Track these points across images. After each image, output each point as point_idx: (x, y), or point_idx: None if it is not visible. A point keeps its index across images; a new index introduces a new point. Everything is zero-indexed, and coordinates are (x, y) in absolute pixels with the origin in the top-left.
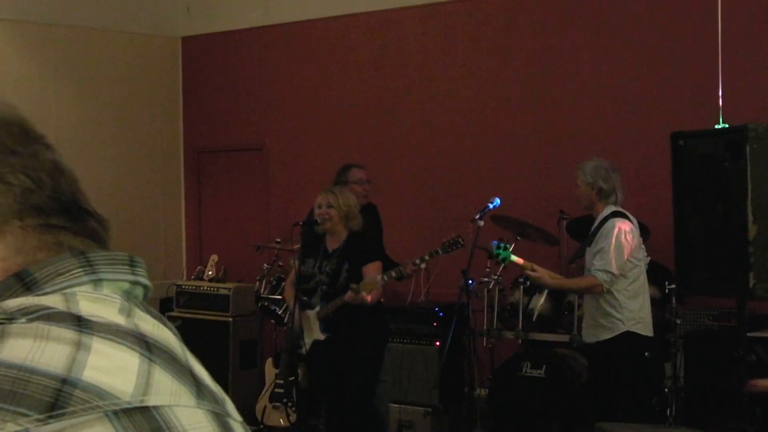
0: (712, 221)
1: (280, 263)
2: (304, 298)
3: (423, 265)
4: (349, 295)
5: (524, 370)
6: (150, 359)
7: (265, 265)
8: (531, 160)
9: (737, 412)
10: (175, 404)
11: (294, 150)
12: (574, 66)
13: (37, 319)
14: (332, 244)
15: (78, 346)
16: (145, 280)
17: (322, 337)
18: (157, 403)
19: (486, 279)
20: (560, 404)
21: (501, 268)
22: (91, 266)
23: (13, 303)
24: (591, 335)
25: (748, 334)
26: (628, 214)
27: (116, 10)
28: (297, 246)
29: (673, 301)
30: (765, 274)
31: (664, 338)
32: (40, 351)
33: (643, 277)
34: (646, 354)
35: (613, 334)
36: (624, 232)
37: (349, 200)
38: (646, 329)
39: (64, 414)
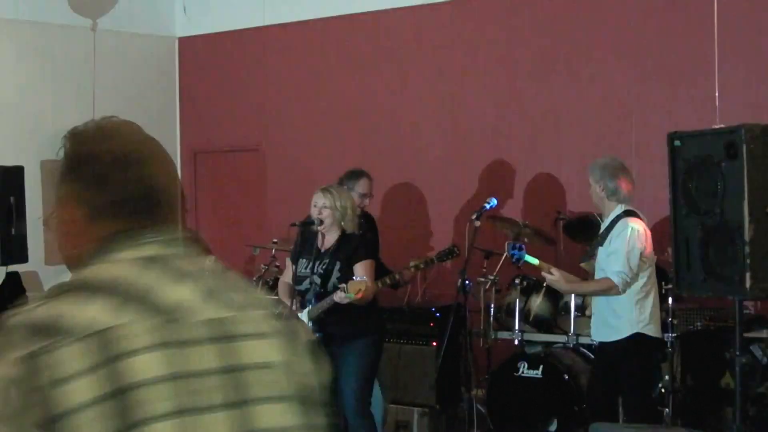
0: (708, 221)
1: (277, 264)
2: (298, 298)
3: (420, 268)
4: (337, 296)
5: (521, 370)
6: (117, 304)
7: (262, 265)
8: (528, 161)
9: (733, 412)
10: (120, 323)
11: (291, 151)
12: (570, 67)
13: (64, 291)
14: (325, 243)
15: (74, 304)
16: (162, 237)
17: (313, 336)
18: (105, 326)
19: (483, 279)
20: (557, 405)
21: (497, 267)
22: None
23: (73, 278)
24: (599, 334)
25: (745, 335)
26: (639, 213)
27: (113, 11)
28: (291, 248)
29: (670, 301)
30: (762, 274)
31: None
32: (57, 310)
33: (654, 278)
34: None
35: (622, 336)
36: (637, 231)
37: (347, 202)
38: (655, 331)
39: (58, 340)
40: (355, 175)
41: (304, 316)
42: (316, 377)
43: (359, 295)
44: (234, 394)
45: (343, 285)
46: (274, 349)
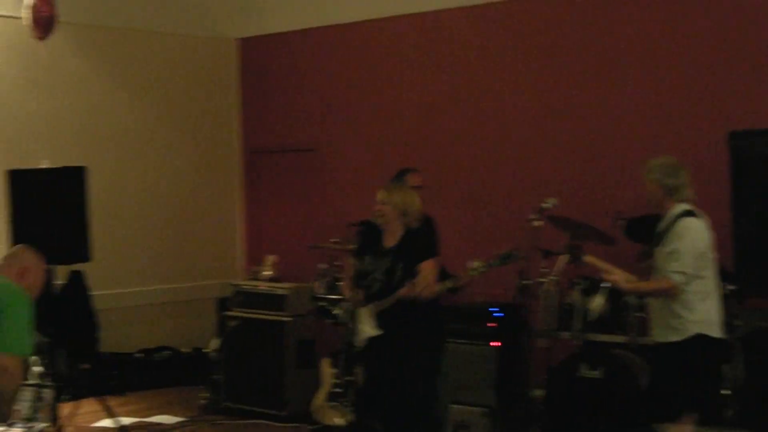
0: None
1: (337, 263)
2: (361, 296)
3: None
4: (405, 290)
5: (581, 371)
6: None
7: (322, 265)
8: (586, 160)
9: None
10: None
11: (349, 151)
12: (626, 65)
13: None
14: (389, 241)
15: None
16: None
17: (375, 333)
18: None
19: (543, 279)
20: (618, 406)
21: (557, 267)
22: None
23: None
24: (660, 335)
25: None
26: (699, 212)
27: (172, 13)
28: (352, 246)
29: (733, 302)
30: None
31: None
32: None
33: (715, 278)
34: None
35: (683, 337)
36: (697, 231)
37: (405, 197)
38: (716, 331)
39: None
40: (402, 173)
41: (367, 312)
42: None
43: (427, 290)
44: None
45: (412, 281)
46: None
